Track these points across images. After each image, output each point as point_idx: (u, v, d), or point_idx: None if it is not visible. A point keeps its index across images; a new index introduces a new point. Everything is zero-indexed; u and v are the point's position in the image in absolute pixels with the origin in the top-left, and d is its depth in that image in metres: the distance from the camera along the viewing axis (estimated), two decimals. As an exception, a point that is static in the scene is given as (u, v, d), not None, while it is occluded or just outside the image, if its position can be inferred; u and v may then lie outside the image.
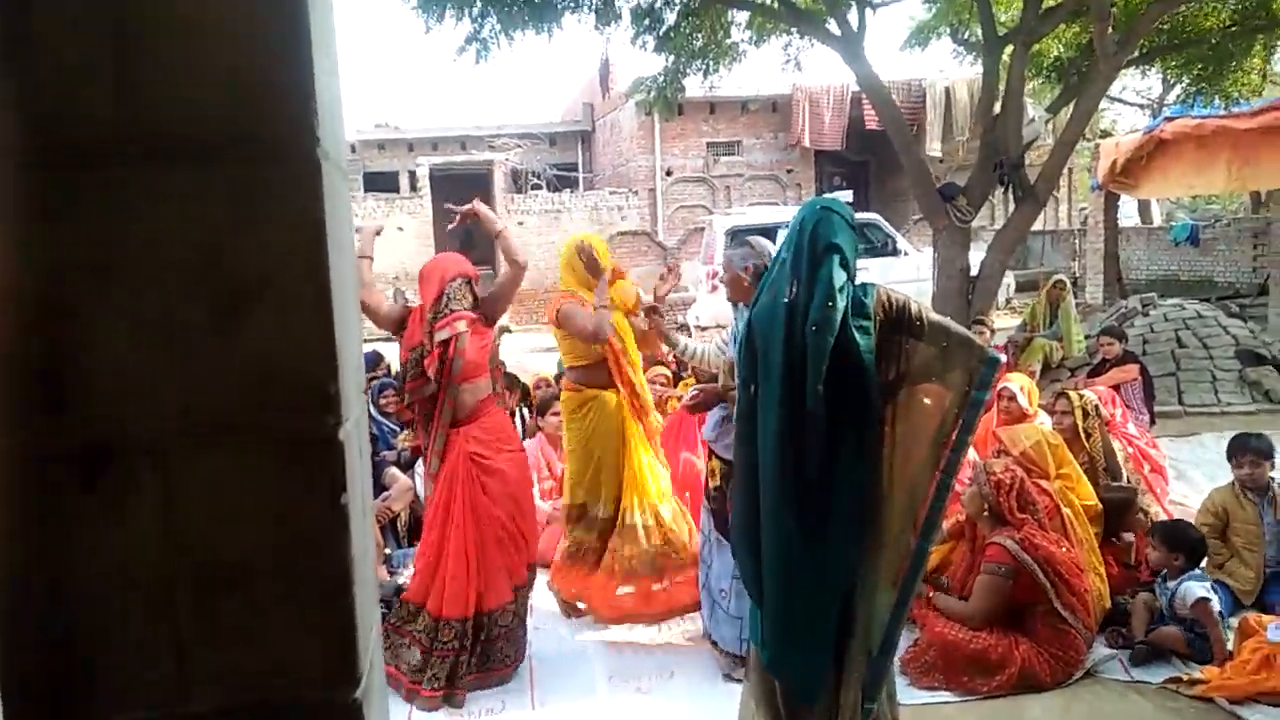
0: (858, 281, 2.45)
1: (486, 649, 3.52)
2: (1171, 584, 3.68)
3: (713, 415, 3.59)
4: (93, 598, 0.75)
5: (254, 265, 0.76)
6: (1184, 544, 3.69)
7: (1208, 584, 3.66)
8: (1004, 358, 2.45)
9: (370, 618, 0.89)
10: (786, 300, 2.39)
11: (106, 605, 0.76)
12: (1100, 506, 4.23)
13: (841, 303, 2.32)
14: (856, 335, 2.32)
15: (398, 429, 5.99)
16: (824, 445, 2.33)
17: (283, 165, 0.75)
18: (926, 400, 2.42)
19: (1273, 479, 4.19)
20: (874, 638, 2.42)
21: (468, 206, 3.77)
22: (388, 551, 4.57)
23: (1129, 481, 4.65)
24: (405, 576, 4.39)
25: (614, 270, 4.09)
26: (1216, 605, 3.59)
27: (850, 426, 2.34)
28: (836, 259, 2.36)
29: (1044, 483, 4.04)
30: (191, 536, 0.76)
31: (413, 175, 20.27)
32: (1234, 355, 8.23)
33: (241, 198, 0.75)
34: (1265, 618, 3.58)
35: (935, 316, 2.47)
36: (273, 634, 0.78)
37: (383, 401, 6.25)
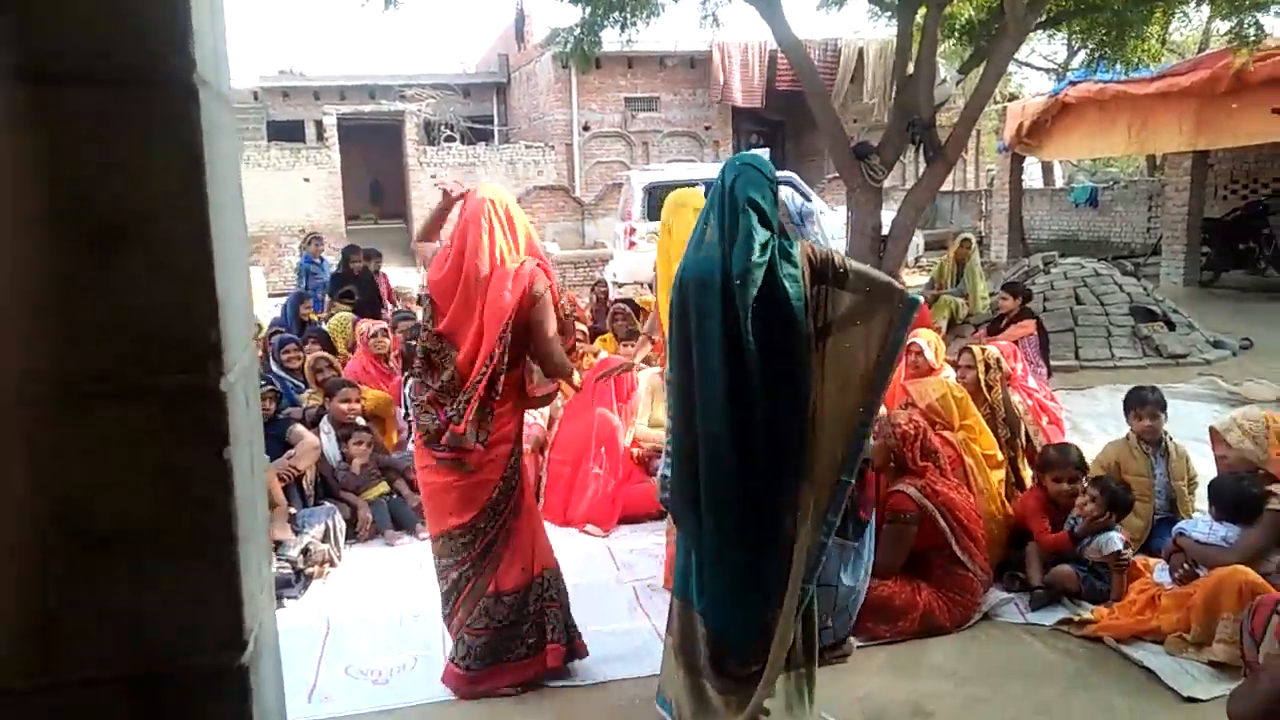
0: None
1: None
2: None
3: None
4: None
5: (126, 203, 0.69)
6: (1121, 504, 3.83)
7: (1124, 535, 3.81)
8: (922, 299, 2.60)
9: (259, 578, 0.85)
10: (719, 257, 2.44)
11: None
12: (1000, 456, 4.36)
13: (763, 256, 2.38)
14: (787, 284, 2.40)
15: (302, 385, 5.81)
16: (764, 394, 2.40)
17: (154, 92, 0.69)
18: (851, 344, 2.52)
19: (1165, 432, 4.34)
20: (802, 570, 2.53)
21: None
22: (293, 511, 4.43)
23: (1026, 432, 4.82)
24: (311, 535, 4.27)
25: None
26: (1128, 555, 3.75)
27: (788, 374, 2.42)
28: (754, 215, 2.41)
29: (948, 433, 4.15)
30: (63, 492, 0.71)
31: (319, 125, 19.56)
32: (1128, 312, 8.60)
33: (110, 128, 0.68)
34: (1152, 560, 3.77)
35: (856, 264, 2.58)
36: (150, 596, 0.73)
37: (284, 357, 6.05)
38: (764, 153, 14.84)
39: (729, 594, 2.56)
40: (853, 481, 2.56)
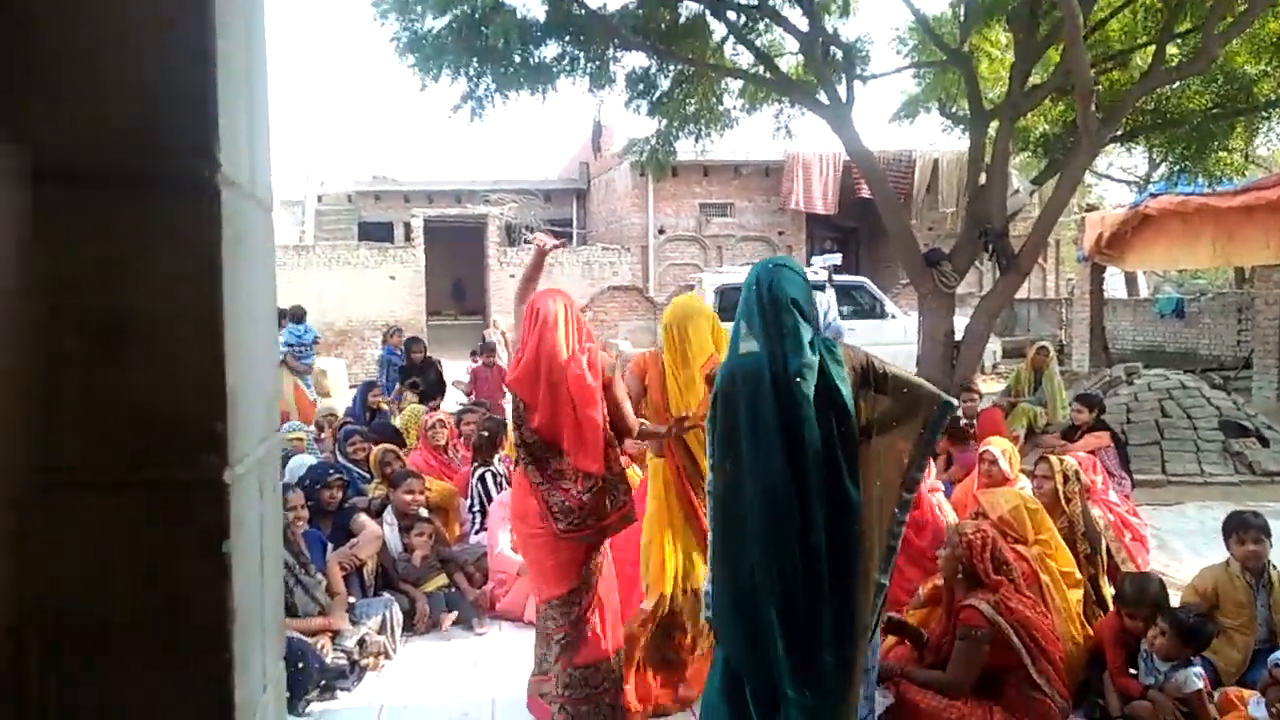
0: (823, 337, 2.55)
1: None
2: (1163, 665, 3.53)
3: None
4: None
5: (132, 299, 0.71)
6: (1198, 640, 3.52)
7: (1203, 673, 3.50)
8: (958, 403, 2.61)
9: (262, 677, 0.84)
10: (765, 356, 2.45)
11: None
12: (1079, 574, 4.14)
13: (814, 353, 2.41)
14: (838, 383, 2.42)
15: (368, 476, 5.90)
16: (822, 492, 2.37)
17: (172, 193, 0.71)
18: (889, 446, 2.56)
19: (1269, 561, 4.00)
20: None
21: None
22: (351, 600, 4.44)
23: (1108, 548, 4.58)
24: (369, 626, 4.27)
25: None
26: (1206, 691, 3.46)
27: (849, 469, 2.41)
28: (797, 314, 2.46)
29: (1021, 548, 3.97)
30: (44, 584, 0.71)
31: (408, 226, 20.41)
32: (1218, 426, 8.23)
33: (124, 226, 0.71)
34: (1245, 693, 3.49)
35: (894, 369, 2.63)
36: (132, 692, 0.72)
37: (350, 449, 6.18)
38: (836, 259, 14.91)
39: (831, 706, 2.43)
40: (887, 584, 2.55)
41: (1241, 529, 3.98)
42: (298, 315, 10.27)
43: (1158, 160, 17.73)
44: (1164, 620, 3.54)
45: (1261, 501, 6.19)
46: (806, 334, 2.43)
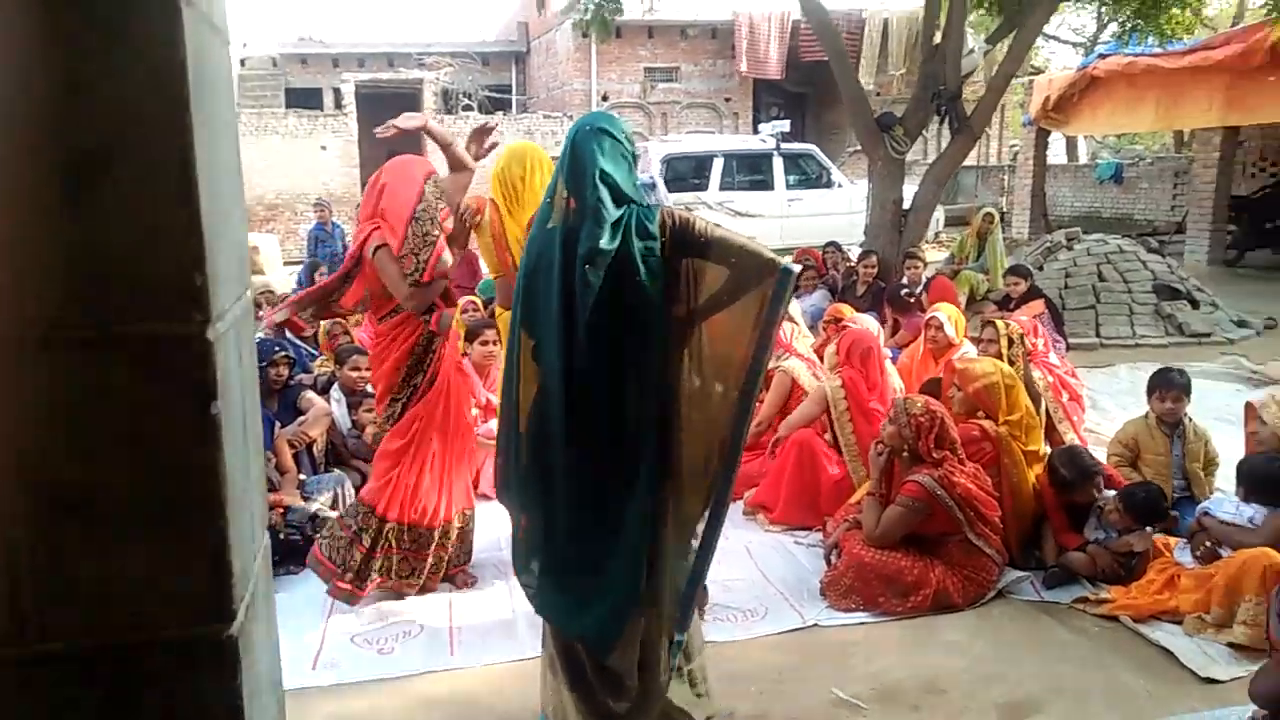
0: (651, 204, 2.29)
1: (439, 555, 3.69)
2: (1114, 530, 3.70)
3: None
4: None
5: (98, 129, 0.62)
6: (1151, 515, 3.65)
7: (1151, 534, 3.66)
8: (797, 268, 2.33)
9: (252, 544, 0.80)
10: (561, 226, 2.22)
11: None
12: (1043, 451, 4.15)
13: (613, 241, 2.16)
14: (640, 260, 2.17)
15: (314, 353, 5.79)
16: (608, 380, 2.20)
17: (130, 9, 0.62)
18: (724, 325, 2.27)
19: (1185, 414, 4.24)
20: (680, 571, 2.32)
21: (417, 122, 3.79)
22: (302, 477, 4.41)
23: (1046, 409, 4.72)
24: (320, 502, 4.26)
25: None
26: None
27: (638, 358, 2.21)
28: (606, 191, 2.18)
29: (988, 424, 3.98)
30: (28, 449, 0.65)
31: (338, 92, 19.44)
32: (1151, 289, 8.45)
33: (80, 48, 0.62)
34: (1171, 540, 3.69)
35: (720, 232, 2.26)
36: (128, 563, 0.68)
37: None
38: (784, 125, 14.56)
39: (594, 602, 2.31)
40: (734, 475, 2.29)
41: (1164, 387, 4.23)
42: None
43: (1106, 19, 17.52)
44: (1117, 500, 3.68)
45: (1188, 361, 6.43)
46: (612, 213, 2.15)
